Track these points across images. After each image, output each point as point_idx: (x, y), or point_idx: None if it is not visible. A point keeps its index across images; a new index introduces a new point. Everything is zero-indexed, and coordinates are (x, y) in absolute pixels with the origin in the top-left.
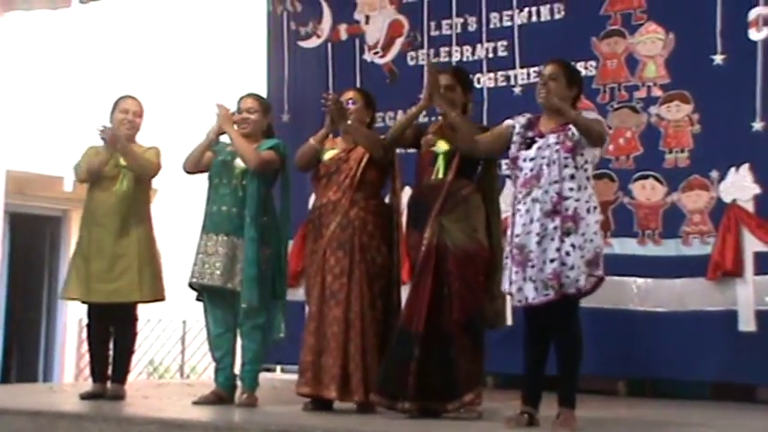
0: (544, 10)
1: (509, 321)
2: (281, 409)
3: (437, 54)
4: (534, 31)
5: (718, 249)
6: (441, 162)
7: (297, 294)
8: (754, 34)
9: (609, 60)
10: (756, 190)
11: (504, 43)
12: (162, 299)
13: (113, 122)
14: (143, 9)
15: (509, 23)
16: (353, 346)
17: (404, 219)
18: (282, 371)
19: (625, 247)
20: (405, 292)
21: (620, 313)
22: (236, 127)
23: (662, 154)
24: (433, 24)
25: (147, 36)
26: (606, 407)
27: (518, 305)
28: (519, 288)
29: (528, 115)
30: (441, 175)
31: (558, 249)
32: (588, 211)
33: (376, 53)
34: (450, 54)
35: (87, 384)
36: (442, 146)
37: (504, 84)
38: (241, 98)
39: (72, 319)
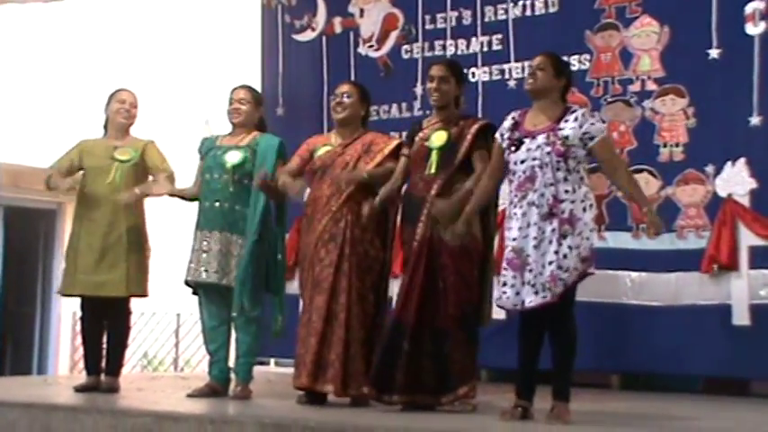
0: (538, 3)
1: (502, 316)
2: (276, 402)
3: (432, 48)
4: (529, 25)
5: (714, 243)
6: (434, 157)
7: (292, 287)
8: (751, 28)
9: (603, 54)
10: (753, 184)
11: (499, 37)
12: (144, 295)
13: (109, 113)
14: (137, 2)
15: (504, 17)
16: (336, 337)
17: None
18: (276, 364)
19: (619, 240)
20: (397, 285)
21: (614, 307)
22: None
23: (656, 148)
24: (427, 18)
25: (141, 29)
26: (600, 400)
27: (514, 309)
28: (516, 292)
29: (513, 114)
30: (434, 171)
31: (557, 252)
32: (584, 210)
33: (371, 46)
34: (444, 48)
35: (81, 377)
36: (435, 141)
37: (499, 77)
38: (234, 89)
39: (66, 311)
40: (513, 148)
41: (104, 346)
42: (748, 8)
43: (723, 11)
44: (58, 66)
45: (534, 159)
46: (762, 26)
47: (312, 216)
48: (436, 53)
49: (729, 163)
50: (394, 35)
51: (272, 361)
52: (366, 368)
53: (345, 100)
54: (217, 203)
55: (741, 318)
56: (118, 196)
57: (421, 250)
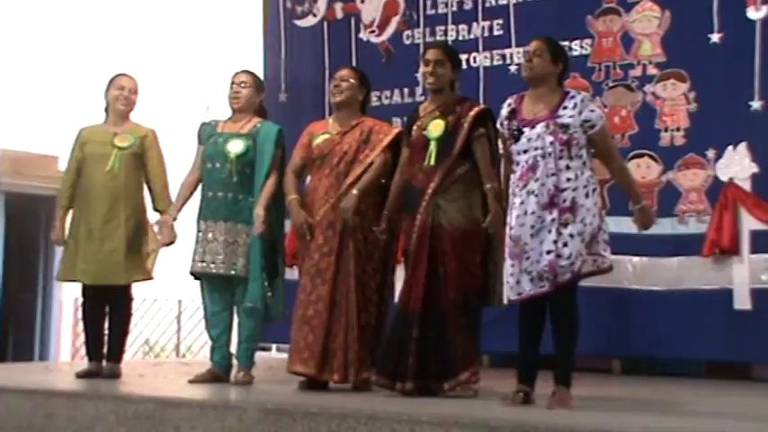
0: None
1: (505, 301)
2: (277, 388)
3: (433, 33)
4: (530, 10)
5: (715, 227)
6: (433, 148)
7: (293, 274)
8: (753, 13)
9: (604, 38)
10: (754, 169)
11: (500, 22)
12: (149, 278)
13: (109, 99)
14: None
15: (504, 2)
16: (338, 326)
17: None
18: (278, 350)
19: (621, 225)
20: (399, 271)
21: (615, 292)
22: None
23: (657, 132)
24: (428, 3)
25: (142, 14)
26: (601, 385)
27: (516, 298)
28: (517, 281)
29: (509, 101)
30: (433, 162)
31: (556, 241)
32: (587, 195)
33: (372, 32)
34: (446, 33)
35: (83, 363)
36: (433, 131)
37: (500, 62)
38: (235, 74)
39: (68, 297)
40: (512, 139)
41: (106, 332)
42: None
43: None
44: (59, 51)
45: (536, 149)
46: (763, 10)
47: (311, 204)
48: (437, 38)
49: (730, 147)
50: (395, 21)
51: (274, 347)
52: (369, 354)
53: (343, 84)
54: (220, 194)
55: (742, 302)
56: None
57: (422, 238)
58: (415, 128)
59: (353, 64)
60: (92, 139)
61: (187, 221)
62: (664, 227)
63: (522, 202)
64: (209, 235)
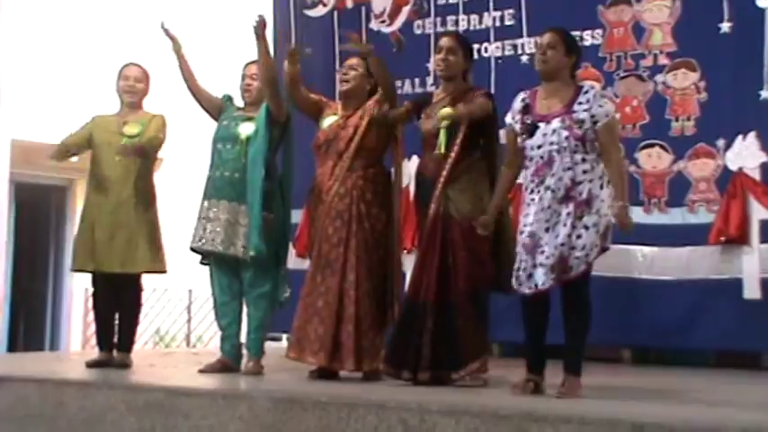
0: None
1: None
2: (287, 377)
3: (444, 23)
4: (541, 0)
5: (722, 215)
6: (442, 137)
7: (305, 264)
8: (762, 1)
9: (615, 28)
10: (763, 158)
11: (512, 12)
12: (162, 271)
13: (118, 91)
14: None
15: None
16: (347, 315)
17: (411, 188)
18: (288, 340)
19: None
20: (408, 260)
21: (625, 281)
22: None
23: (668, 122)
24: None
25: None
26: (611, 374)
27: (528, 292)
28: (529, 275)
29: (522, 96)
30: (443, 150)
31: (569, 235)
32: (602, 186)
33: (382, 21)
34: (457, 23)
35: (94, 353)
36: (443, 119)
37: (512, 53)
38: (246, 65)
39: (78, 287)
40: (526, 134)
41: (116, 321)
42: None
43: None
44: (70, 41)
45: (552, 144)
46: None
47: (319, 191)
48: (449, 28)
49: (740, 137)
50: (406, 10)
51: (284, 336)
52: (379, 343)
53: (351, 72)
54: (227, 173)
55: (752, 291)
56: None
57: (433, 228)
58: (423, 115)
59: None
60: (103, 127)
61: (196, 205)
62: (674, 216)
63: (540, 198)
64: (211, 213)
